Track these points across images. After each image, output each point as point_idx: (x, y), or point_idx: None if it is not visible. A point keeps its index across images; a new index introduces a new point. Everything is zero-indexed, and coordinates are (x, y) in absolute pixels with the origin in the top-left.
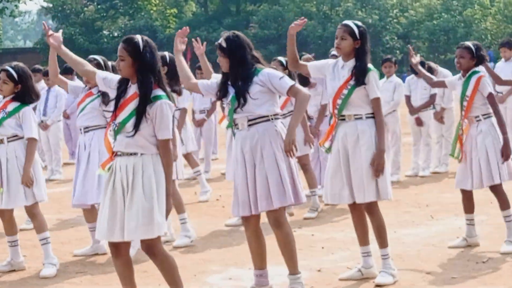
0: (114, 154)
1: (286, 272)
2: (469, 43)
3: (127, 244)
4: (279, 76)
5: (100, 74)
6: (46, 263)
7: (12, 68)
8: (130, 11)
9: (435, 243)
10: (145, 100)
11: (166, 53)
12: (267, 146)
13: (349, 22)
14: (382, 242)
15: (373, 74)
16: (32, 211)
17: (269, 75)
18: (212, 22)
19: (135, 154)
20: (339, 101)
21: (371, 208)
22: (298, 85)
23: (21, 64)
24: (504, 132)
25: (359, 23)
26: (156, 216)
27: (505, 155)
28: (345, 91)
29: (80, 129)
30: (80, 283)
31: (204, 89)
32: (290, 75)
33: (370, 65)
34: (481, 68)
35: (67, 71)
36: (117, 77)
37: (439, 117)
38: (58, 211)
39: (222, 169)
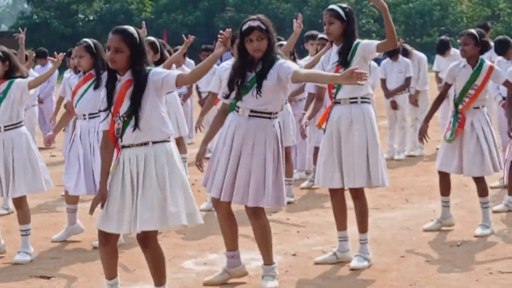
0: (121, 147)
1: (261, 258)
2: (472, 30)
3: (117, 236)
4: (289, 64)
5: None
6: (21, 251)
7: None
8: None
9: (410, 227)
10: (142, 84)
11: (155, 39)
12: (260, 143)
13: (334, 6)
14: (363, 227)
15: (361, 44)
16: (19, 201)
17: (281, 66)
18: (188, 6)
19: (146, 144)
20: (335, 84)
21: (358, 193)
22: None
23: (2, 46)
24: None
25: (344, 5)
26: (169, 207)
27: None
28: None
29: (84, 115)
30: (54, 268)
31: None
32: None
33: (357, 40)
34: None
35: (42, 55)
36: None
37: (414, 100)
38: (32, 196)
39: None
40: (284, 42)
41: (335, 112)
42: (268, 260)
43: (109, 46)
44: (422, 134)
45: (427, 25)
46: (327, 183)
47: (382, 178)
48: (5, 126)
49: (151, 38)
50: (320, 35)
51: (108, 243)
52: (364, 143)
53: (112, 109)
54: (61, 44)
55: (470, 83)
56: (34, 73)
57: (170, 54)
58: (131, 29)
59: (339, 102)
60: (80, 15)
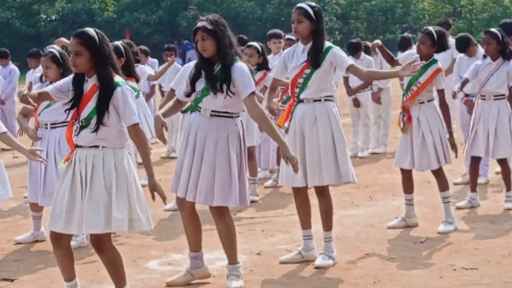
0: (74, 147)
1: (225, 257)
2: (432, 30)
3: (69, 235)
4: (247, 78)
5: (51, 90)
6: None
7: None
8: None
9: (374, 224)
10: (108, 91)
11: (119, 43)
12: (223, 142)
13: (303, 4)
14: (328, 225)
15: (332, 51)
16: None
17: (239, 72)
18: (151, 5)
19: (96, 146)
20: (300, 80)
21: (323, 191)
22: (255, 98)
23: None
24: (449, 126)
25: (313, 4)
26: (114, 211)
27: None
28: (307, 71)
29: (46, 125)
30: (17, 271)
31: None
32: (265, 62)
33: (329, 44)
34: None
35: (3, 55)
36: (65, 79)
37: (377, 98)
38: None
39: (162, 153)
40: (255, 44)
41: (298, 111)
42: (232, 259)
43: (71, 50)
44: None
45: (390, 22)
46: (289, 182)
47: (352, 174)
48: None
49: (115, 42)
50: (288, 36)
51: (62, 245)
52: (330, 141)
53: (74, 110)
54: (23, 44)
55: (414, 78)
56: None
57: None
58: (90, 31)
59: (302, 101)
60: (42, 15)
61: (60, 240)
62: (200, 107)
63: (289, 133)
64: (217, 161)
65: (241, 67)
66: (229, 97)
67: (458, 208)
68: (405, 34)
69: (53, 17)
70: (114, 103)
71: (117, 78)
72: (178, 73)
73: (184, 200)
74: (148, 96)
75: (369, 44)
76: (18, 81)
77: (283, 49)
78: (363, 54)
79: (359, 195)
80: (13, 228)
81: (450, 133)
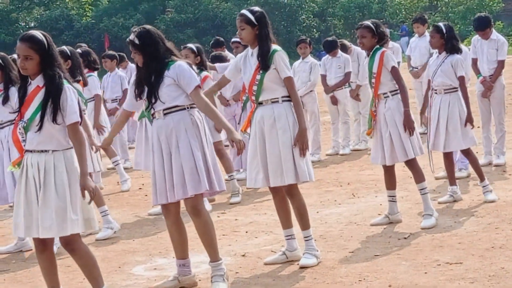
0: (24, 151)
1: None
2: (368, 22)
3: (52, 239)
4: (188, 74)
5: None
6: None
7: None
8: (45, 1)
9: (357, 221)
10: (57, 92)
11: (65, 47)
12: (182, 134)
13: (244, 11)
14: (304, 224)
15: (279, 54)
16: None
17: (179, 70)
18: (129, 9)
19: (46, 151)
20: (254, 88)
21: (291, 190)
22: (199, 91)
23: None
24: (406, 105)
25: (256, 8)
26: (69, 214)
27: (407, 128)
28: (258, 77)
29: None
30: (3, 281)
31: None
32: (202, 62)
33: (275, 47)
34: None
35: None
36: None
37: (355, 95)
38: None
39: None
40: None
41: (257, 113)
42: (214, 256)
43: (18, 54)
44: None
45: (366, 18)
46: (251, 183)
47: (309, 173)
48: None
49: (62, 47)
50: (233, 39)
51: (45, 250)
52: (289, 141)
53: (20, 110)
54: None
55: (370, 72)
56: None
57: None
58: (38, 34)
59: (261, 103)
60: (20, 23)
61: (44, 244)
62: (153, 113)
63: (251, 136)
64: (182, 155)
65: (180, 65)
66: (170, 91)
67: (440, 203)
68: None
69: (32, 24)
70: (61, 101)
71: (64, 80)
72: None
73: (168, 208)
74: (121, 101)
75: (346, 42)
76: None
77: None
78: (339, 52)
79: (342, 192)
80: None
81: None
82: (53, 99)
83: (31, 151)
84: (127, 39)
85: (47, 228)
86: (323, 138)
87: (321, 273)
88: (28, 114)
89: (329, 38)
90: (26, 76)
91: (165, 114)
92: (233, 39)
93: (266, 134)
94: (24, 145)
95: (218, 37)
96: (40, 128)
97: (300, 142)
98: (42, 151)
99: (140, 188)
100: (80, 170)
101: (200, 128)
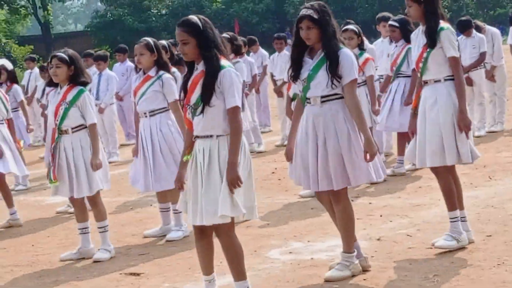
0: (194, 137)
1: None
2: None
3: (212, 226)
4: (350, 63)
5: None
6: (101, 248)
7: (62, 52)
8: None
9: (494, 204)
10: (214, 74)
11: (164, 42)
12: (340, 123)
13: None
14: (450, 204)
15: (445, 32)
16: (94, 199)
17: (346, 56)
18: None
19: (210, 136)
20: (420, 65)
21: (444, 170)
22: (354, 86)
23: (69, 50)
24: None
25: None
26: (233, 200)
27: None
28: (424, 55)
29: (145, 113)
30: (143, 265)
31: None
32: (362, 43)
33: (443, 24)
34: None
35: (121, 50)
36: None
37: (490, 76)
38: (118, 193)
39: (277, 141)
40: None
41: (422, 92)
42: (348, 247)
43: (177, 40)
44: None
45: None
46: (420, 163)
47: (472, 154)
48: (72, 128)
49: (162, 41)
50: (390, 22)
51: (205, 236)
52: (449, 120)
53: (185, 98)
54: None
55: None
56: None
57: (245, 45)
58: (193, 18)
59: (426, 83)
60: (153, 10)
61: (203, 231)
62: (309, 98)
63: (418, 115)
64: (341, 143)
65: (347, 54)
66: (334, 83)
67: None
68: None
69: (163, 12)
70: (219, 85)
71: (223, 61)
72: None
73: (322, 196)
74: (250, 86)
75: (480, 23)
76: None
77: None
78: (474, 31)
79: (478, 175)
80: (136, 222)
81: None
82: (210, 81)
83: (198, 137)
84: (300, 15)
85: (211, 214)
86: None
87: (458, 257)
88: (193, 98)
89: (463, 18)
90: (192, 62)
91: (322, 102)
92: (389, 22)
93: (427, 114)
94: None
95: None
96: (202, 112)
97: (463, 124)
98: (207, 136)
99: (273, 173)
100: (228, 159)
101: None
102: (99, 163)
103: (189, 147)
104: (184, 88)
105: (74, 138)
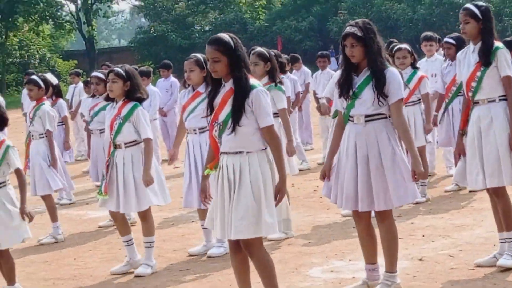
0: (220, 153)
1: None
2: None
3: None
4: (398, 82)
5: None
6: (144, 263)
7: (119, 67)
8: (220, 5)
9: None
10: (244, 94)
11: (200, 55)
12: (384, 143)
13: (469, 5)
14: (507, 225)
15: (501, 52)
16: (144, 214)
17: (393, 75)
18: (301, 11)
19: (240, 152)
20: (473, 84)
21: (500, 191)
22: (401, 105)
23: (126, 65)
24: None
25: (480, 3)
26: (264, 216)
27: None
28: (478, 74)
29: (194, 130)
30: (184, 280)
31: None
32: (415, 62)
33: (498, 44)
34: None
35: (165, 66)
36: None
37: None
38: (159, 209)
39: (318, 159)
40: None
41: (474, 113)
42: (389, 266)
43: (208, 58)
44: None
45: None
46: (472, 185)
47: None
48: (125, 143)
49: (197, 55)
50: (446, 39)
51: (239, 251)
52: (506, 141)
53: (212, 114)
54: (179, 56)
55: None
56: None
57: (288, 62)
58: (225, 37)
59: (478, 103)
60: (196, 27)
61: (237, 245)
62: (352, 116)
63: (468, 136)
64: (385, 163)
65: (394, 73)
66: (381, 101)
67: None
68: None
69: (207, 28)
70: (249, 104)
71: (253, 81)
72: (331, 80)
73: (360, 215)
74: (294, 104)
75: None
76: (179, 92)
77: (444, 53)
78: None
79: None
80: (177, 238)
81: None
82: (240, 101)
83: (226, 153)
84: (345, 32)
85: (240, 228)
86: None
87: (501, 278)
88: (222, 116)
89: (508, 39)
90: (219, 79)
91: (366, 121)
92: (445, 39)
93: (483, 134)
94: (220, 146)
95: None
96: (233, 131)
97: None
98: (237, 152)
99: (315, 191)
100: (279, 174)
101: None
102: (151, 179)
103: (211, 162)
104: (210, 105)
105: (127, 153)
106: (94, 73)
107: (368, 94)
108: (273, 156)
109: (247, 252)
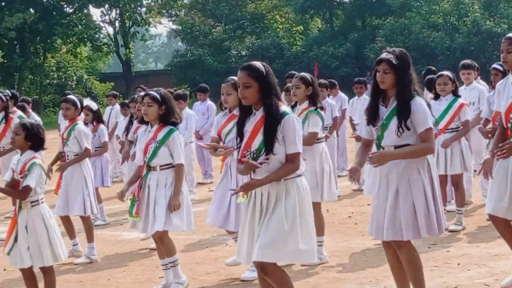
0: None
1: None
2: None
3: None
4: (423, 114)
5: None
6: (174, 282)
7: (154, 91)
8: (257, 30)
9: None
10: (276, 120)
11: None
12: (415, 174)
13: (511, 35)
14: None
15: None
16: (160, 237)
17: (418, 106)
18: (338, 38)
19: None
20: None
21: None
22: (431, 133)
23: (161, 89)
24: None
25: None
26: (300, 244)
27: None
28: None
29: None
30: None
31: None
32: (456, 89)
33: None
34: None
35: (202, 90)
36: None
37: None
38: (193, 231)
39: (353, 185)
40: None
41: None
42: None
43: (239, 83)
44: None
45: None
46: (499, 212)
47: None
48: (161, 166)
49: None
50: (494, 65)
51: (266, 274)
52: None
53: (244, 143)
54: (215, 80)
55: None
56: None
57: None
58: (257, 64)
59: None
60: (232, 51)
61: (262, 270)
62: (383, 147)
63: (502, 163)
64: (415, 193)
65: (420, 103)
66: (400, 131)
67: None
68: None
69: (243, 53)
70: (281, 130)
71: (283, 108)
72: None
73: (388, 242)
74: (331, 129)
75: None
76: (215, 116)
77: (491, 80)
78: None
79: None
80: (211, 261)
81: None
82: (273, 128)
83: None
84: (380, 57)
85: (265, 251)
86: None
87: None
88: (255, 144)
89: None
90: (248, 106)
91: None
92: (493, 66)
93: None
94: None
95: (429, 66)
96: (268, 157)
97: None
98: None
99: (349, 217)
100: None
101: (431, 168)
102: (179, 204)
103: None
104: (240, 133)
105: (161, 175)
106: (70, 97)
107: (394, 125)
108: (278, 171)
109: (262, 274)
